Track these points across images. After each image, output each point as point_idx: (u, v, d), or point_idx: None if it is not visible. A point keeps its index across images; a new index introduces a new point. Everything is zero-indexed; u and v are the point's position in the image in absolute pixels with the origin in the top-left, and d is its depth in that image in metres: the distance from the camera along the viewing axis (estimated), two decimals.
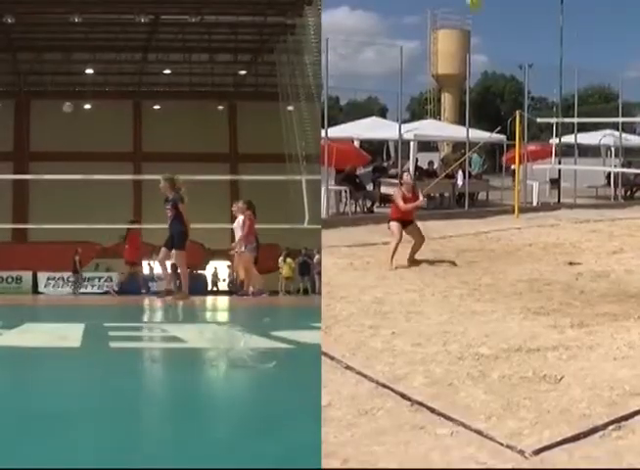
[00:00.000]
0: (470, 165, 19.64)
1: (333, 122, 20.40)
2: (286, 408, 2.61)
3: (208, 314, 9.85)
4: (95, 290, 26.55)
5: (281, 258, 26.70)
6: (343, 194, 17.54)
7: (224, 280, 29.41)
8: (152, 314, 9.75)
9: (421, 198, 10.71)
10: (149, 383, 3.45)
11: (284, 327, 5.88)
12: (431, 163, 20.35)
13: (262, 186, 20.38)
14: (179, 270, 12.26)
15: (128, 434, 2.22)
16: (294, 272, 27.05)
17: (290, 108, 27.61)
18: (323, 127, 16.74)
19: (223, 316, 9.78)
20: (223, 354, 3.72)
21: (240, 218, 14.03)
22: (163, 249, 11.52)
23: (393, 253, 9.92)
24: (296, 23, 25.02)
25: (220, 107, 33.54)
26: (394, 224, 10.27)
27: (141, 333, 5.95)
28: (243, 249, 13.92)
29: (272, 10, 25.55)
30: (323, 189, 16.43)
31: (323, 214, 16.21)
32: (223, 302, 15.00)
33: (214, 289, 28.95)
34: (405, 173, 11.16)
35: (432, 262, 10.12)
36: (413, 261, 10.14)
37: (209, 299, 16.87)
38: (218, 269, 30.40)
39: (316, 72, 22.34)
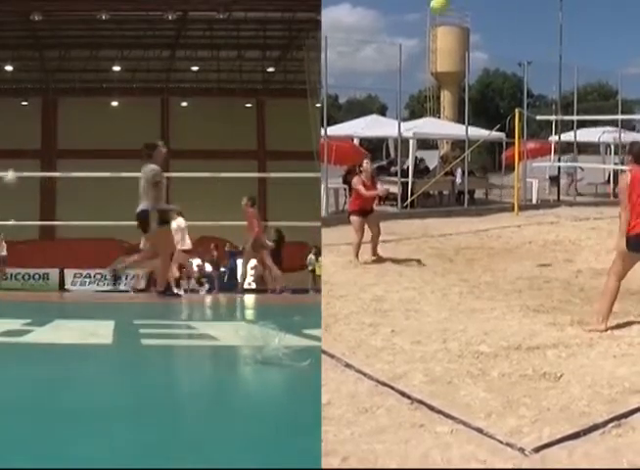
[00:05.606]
0: None
1: (332, 121, 20.30)
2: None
3: (237, 312, 9.82)
4: (122, 287, 26.54)
5: (311, 256, 26.44)
6: (342, 192, 17.49)
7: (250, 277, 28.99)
8: (179, 312, 9.74)
9: (379, 186, 10.61)
10: (182, 380, 3.44)
11: (315, 325, 5.73)
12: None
13: (290, 183, 20.14)
14: None
15: (165, 432, 2.21)
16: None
17: (318, 105, 27.39)
18: (322, 126, 16.69)
19: (252, 314, 9.74)
20: (257, 352, 3.65)
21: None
22: None
23: (357, 249, 9.94)
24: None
25: (248, 104, 33.28)
26: (356, 219, 10.22)
27: (172, 330, 5.90)
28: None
29: (301, 6, 25.32)
30: (323, 187, 16.41)
31: (323, 213, 16.19)
32: (250, 299, 14.92)
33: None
34: (365, 161, 11.02)
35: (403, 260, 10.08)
36: (378, 257, 10.09)
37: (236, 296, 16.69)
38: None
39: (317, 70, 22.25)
